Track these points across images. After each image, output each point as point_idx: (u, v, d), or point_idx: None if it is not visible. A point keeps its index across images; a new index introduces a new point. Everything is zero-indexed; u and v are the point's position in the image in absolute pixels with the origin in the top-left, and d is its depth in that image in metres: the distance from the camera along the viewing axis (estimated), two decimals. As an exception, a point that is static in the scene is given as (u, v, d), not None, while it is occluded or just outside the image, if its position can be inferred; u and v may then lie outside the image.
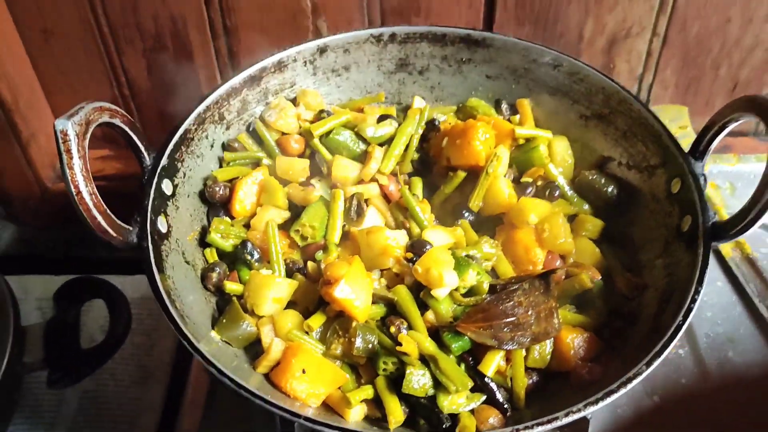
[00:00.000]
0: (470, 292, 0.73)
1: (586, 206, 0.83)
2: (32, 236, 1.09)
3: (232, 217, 0.81)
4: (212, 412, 0.89)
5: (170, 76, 1.05)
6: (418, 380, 0.68)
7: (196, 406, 0.90)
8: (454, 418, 0.68)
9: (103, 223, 0.65)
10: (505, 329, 0.68)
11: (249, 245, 0.77)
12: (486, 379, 0.69)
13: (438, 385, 0.68)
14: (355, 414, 0.68)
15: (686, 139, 0.92)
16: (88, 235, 1.12)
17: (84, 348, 0.86)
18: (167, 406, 0.93)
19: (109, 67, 1.04)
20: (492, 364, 0.69)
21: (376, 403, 0.69)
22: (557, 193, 0.81)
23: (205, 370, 0.90)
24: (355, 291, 0.68)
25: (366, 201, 0.80)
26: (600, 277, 0.76)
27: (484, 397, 0.70)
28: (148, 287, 1.09)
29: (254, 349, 0.73)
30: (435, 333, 0.70)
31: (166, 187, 0.75)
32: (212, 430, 0.88)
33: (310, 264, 0.76)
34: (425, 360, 0.68)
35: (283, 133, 0.87)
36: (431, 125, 0.86)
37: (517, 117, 0.90)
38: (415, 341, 0.68)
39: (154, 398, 0.93)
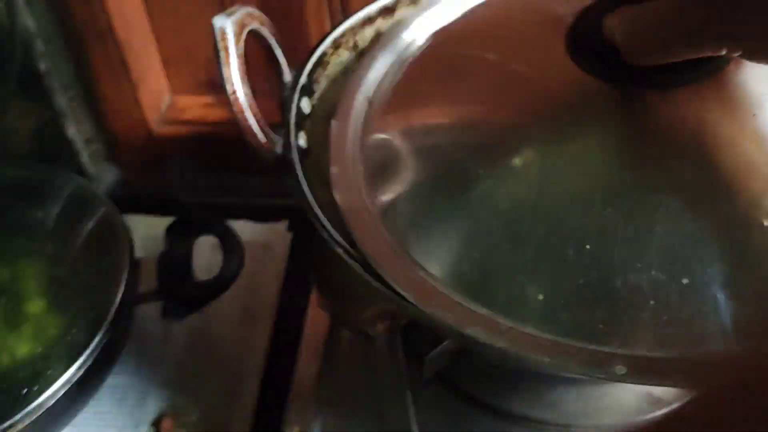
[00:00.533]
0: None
1: None
2: (134, 178, 1.08)
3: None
4: (330, 362, 0.86)
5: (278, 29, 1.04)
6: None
7: (313, 352, 0.88)
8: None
9: (254, 126, 0.64)
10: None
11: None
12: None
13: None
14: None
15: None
16: (189, 178, 1.10)
17: (197, 281, 0.85)
18: (273, 349, 0.91)
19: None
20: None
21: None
22: None
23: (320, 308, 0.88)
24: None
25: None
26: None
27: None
28: (251, 231, 1.07)
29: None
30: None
31: (305, 105, 0.73)
32: (331, 381, 0.85)
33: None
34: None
35: (412, 66, 0.85)
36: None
37: None
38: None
39: (259, 340, 0.91)
